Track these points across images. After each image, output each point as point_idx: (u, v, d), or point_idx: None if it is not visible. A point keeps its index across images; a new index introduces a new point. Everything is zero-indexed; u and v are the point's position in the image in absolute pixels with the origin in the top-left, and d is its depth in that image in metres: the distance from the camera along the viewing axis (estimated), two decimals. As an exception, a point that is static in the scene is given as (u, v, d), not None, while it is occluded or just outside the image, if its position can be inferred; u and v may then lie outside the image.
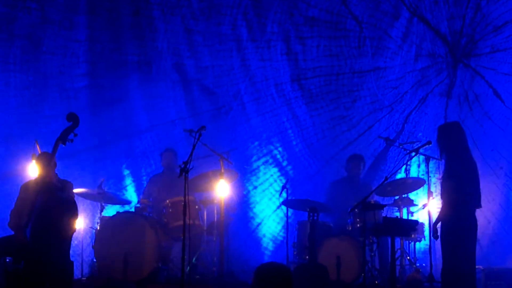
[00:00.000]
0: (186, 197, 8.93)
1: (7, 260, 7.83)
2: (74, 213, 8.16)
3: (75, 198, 8.79)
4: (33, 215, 7.89)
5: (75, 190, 10.55)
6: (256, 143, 12.69)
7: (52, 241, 7.89)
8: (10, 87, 12.01)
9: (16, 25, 11.94)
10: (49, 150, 8.49)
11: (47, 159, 8.53)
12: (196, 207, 10.87)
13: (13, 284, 7.80)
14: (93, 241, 10.43)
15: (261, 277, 5.89)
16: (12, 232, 8.58)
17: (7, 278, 7.87)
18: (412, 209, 11.09)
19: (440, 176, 9.17)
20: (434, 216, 11.01)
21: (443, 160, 8.99)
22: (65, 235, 8.05)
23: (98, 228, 10.49)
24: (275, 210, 12.46)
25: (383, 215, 10.41)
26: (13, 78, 12.01)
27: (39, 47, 12.12)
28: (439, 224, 8.76)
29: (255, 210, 12.53)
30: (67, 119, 8.24)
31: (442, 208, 8.87)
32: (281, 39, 12.57)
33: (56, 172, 8.72)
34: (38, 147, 10.18)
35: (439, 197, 10.24)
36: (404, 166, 11.19)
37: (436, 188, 11.44)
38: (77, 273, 10.30)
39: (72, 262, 8.32)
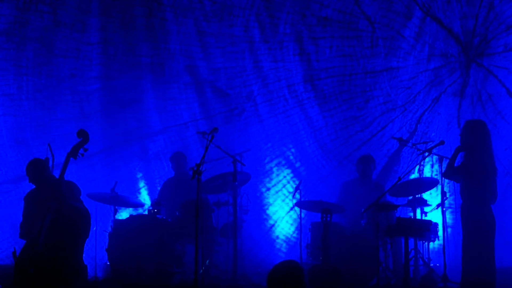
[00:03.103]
0: (199, 199, 8.97)
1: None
2: (86, 220, 8.22)
3: (87, 202, 8.84)
4: (45, 225, 7.94)
5: (88, 194, 10.64)
6: (269, 144, 12.68)
7: (65, 248, 7.97)
8: (22, 90, 12.04)
9: (28, 28, 11.96)
10: (62, 154, 8.53)
11: (40, 166, 8.68)
12: (209, 209, 10.85)
13: None
14: (107, 244, 10.44)
15: (273, 280, 5.91)
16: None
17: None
18: (425, 209, 11.04)
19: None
20: (448, 216, 11.05)
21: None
22: (78, 241, 8.12)
23: (111, 231, 10.50)
24: (288, 212, 12.44)
25: (397, 215, 10.37)
26: (25, 81, 12.03)
27: (52, 50, 12.13)
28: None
29: (268, 211, 12.52)
30: (77, 135, 8.36)
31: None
32: (293, 40, 12.55)
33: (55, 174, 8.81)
34: (50, 150, 10.21)
35: (453, 197, 10.29)
36: (418, 166, 11.16)
37: (449, 188, 11.41)
38: (91, 276, 10.31)
39: (86, 266, 8.34)
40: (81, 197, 8.83)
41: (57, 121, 12.09)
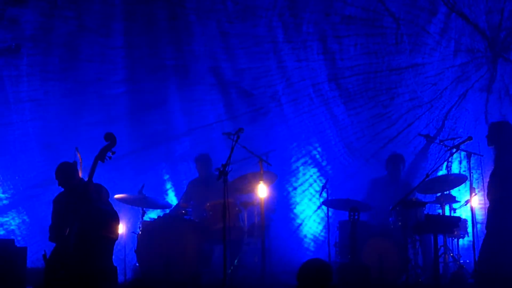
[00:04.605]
0: (226, 200, 8.98)
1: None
2: (115, 222, 8.27)
3: (115, 204, 8.89)
4: (75, 228, 8.00)
5: (116, 196, 10.70)
6: (295, 144, 12.68)
7: (95, 250, 8.02)
8: (49, 95, 12.10)
9: (53, 34, 12.02)
10: (90, 157, 8.58)
11: (70, 169, 8.74)
12: (236, 209, 10.86)
13: None
14: (135, 245, 10.49)
15: (301, 276, 5.96)
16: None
17: None
18: (454, 205, 10.99)
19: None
20: (477, 212, 10.98)
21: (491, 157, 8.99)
22: (107, 243, 8.17)
23: (140, 232, 10.55)
24: (316, 211, 12.43)
25: (425, 212, 10.34)
26: (52, 87, 12.09)
27: (77, 55, 12.18)
28: None
29: (295, 211, 12.51)
30: (105, 138, 8.42)
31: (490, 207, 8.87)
32: (317, 39, 12.55)
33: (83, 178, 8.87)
34: (78, 154, 10.29)
35: (482, 193, 10.24)
36: (446, 163, 11.09)
37: (478, 184, 11.34)
38: (120, 278, 10.36)
39: (115, 267, 8.38)
40: (109, 199, 8.87)
41: (84, 125, 12.12)
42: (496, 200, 8.94)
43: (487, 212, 9.50)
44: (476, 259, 9.99)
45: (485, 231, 9.65)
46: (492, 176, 9.06)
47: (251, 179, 10.97)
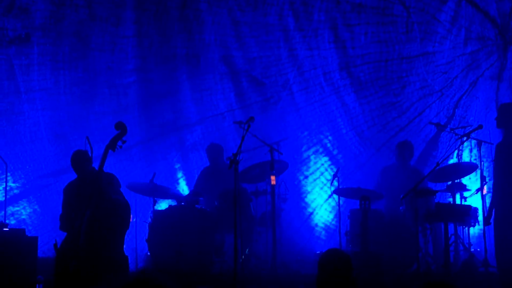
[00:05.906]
0: (237, 189, 9.00)
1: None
2: (126, 212, 8.28)
3: (126, 194, 8.90)
4: (86, 218, 8.02)
5: (127, 185, 10.72)
6: (306, 132, 12.68)
7: (106, 240, 8.05)
8: (60, 84, 12.12)
9: (64, 22, 12.03)
10: (100, 147, 8.59)
11: (84, 157, 8.75)
12: (247, 198, 10.87)
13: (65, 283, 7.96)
14: (147, 235, 10.51)
15: (324, 265, 6.03)
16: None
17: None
18: (465, 194, 10.97)
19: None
20: (488, 201, 10.96)
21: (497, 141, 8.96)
22: (118, 233, 8.20)
23: (151, 222, 10.57)
24: (327, 199, 12.43)
25: (436, 201, 10.32)
26: (62, 76, 12.11)
27: (88, 44, 12.21)
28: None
29: (306, 199, 12.52)
30: (115, 127, 8.39)
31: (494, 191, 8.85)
32: (328, 27, 12.53)
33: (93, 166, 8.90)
34: (89, 143, 10.30)
35: (492, 181, 10.23)
36: (456, 151, 11.08)
37: (489, 172, 11.32)
38: (132, 267, 10.38)
39: (127, 257, 8.40)
40: (120, 188, 8.89)
41: (94, 115, 12.17)
42: (500, 183, 8.93)
43: (492, 195, 9.46)
44: (487, 247, 10.00)
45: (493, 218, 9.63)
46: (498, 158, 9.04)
47: (262, 168, 10.98)
